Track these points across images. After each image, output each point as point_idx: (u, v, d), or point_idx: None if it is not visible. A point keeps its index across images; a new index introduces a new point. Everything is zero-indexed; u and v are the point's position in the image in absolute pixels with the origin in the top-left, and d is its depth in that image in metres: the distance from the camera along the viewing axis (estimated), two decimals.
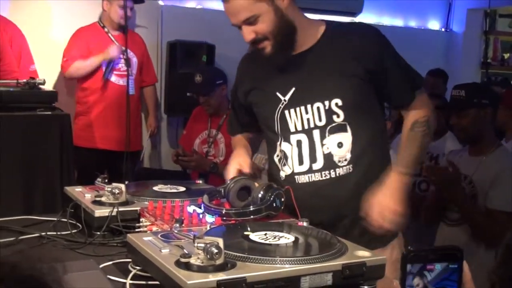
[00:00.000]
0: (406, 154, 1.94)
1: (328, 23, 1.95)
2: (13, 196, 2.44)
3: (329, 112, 1.88)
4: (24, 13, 4.17)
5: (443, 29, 6.17)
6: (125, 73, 4.00)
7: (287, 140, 1.95)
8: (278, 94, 1.94)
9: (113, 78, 4.13)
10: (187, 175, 4.13)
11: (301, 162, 1.93)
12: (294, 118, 1.93)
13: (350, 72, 1.86)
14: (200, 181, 2.18)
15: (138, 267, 1.46)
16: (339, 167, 1.89)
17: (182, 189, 2.04)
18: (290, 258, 1.32)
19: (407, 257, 0.90)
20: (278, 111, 1.95)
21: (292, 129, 1.93)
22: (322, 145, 1.90)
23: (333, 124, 1.88)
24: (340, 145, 1.89)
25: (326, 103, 1.87)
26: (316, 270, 1.31)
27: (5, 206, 2.35)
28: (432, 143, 3.20)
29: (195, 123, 4.14)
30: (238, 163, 1.98)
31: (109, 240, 1.72)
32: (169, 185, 2.05)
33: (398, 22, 5.80)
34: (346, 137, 1.89)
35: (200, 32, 4.72)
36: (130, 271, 1.45)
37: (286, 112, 1.93)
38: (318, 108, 1.89)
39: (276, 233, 1.50)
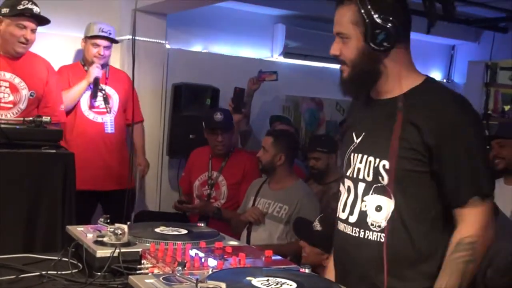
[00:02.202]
0: (443, 284, 1.67)
1: (427, 80, 1.80)
2: (14, 233, 2.43)
3: (376, 171, 1.76)
4: None
5: (444, 80, 6.25)
6: (103, 110, 4.01)
7: (343, 182, 1.90)
8: (353, 135, 1.88)
9: (91, 116, 4.04)
10: (186, 217, 4.13)
11: (343, 209, 1.87)
12: (355, 163, 1.84)
13: (408, 141, 1.70)
14: (202, 224, 2.18)
15: None
16: (370, 230, 1.77)
17: (184, 231, 2.03)
18: None
19: None
20: (349, 152, 1.88)
21: (348, 173, 1.86)
22: (362, 201, 1.80)
23: (378, 185, 1.76)
24: (378, 208, 1.76)
25: (377, 161, 1.76)
26: None
27: (6, 242, 2.34)
28: None
29: (194, 165, 4.16)
30: None
31: (110, 281, 1.71)
32: (170, 227, 2.05)
33: None
34: (388, 204, 1.74)
35: (205, 76, 4.79)
36: None
37: (353, 155, 1.86)
38: (370, 162, 1.78)
39: (279, 279, 1.50)
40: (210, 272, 1.54)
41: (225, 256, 1.74)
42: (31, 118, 2.69)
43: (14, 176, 2.47)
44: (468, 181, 1.67)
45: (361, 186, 1.81)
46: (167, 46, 4.76)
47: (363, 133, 1.85)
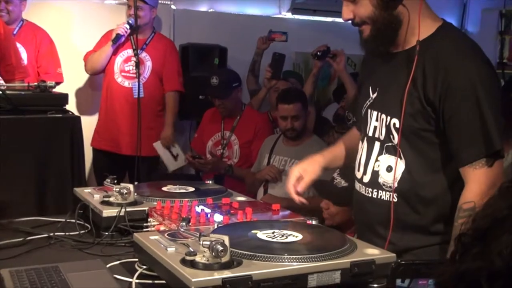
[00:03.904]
0: (448, 252, 1.59)
1: (442, 27, 1.70)
2: (26, 198, 2.45)
3: (388, 130, 1.71)
4: (43, 17, 4.22)
5: None
6: (133, 75, 3.99)
7: (362, 140, 1.84)
8: (370, 89, 1.81)
9: (119, 79, 4.10)
10: (199, 178, 4.13)
11: (358, 168, 1.82)
12: (371, 121, 1.78)
13: (415, 93, 1.63)
14: (210, 182, 2.17)
15: (144, 266, 1.45)
16: (383, 190, 1.73)
17: (191, 189, 2.03)
18: (297, 256, 1.30)
19: (396, 270, 0.83)
20: (365, 107, 1.82)
21: (366, 131, 1.80)
22: (376, 160, 1.75)
23: (389, 144, 1.71)
24: (389, 169, 1.71)
25: (388, 119, 1.71)
26: (323, 268, 1.29)
27: (18, 207, 2.35)
28: None
29: (207, 126, 4.14)
30: (298, 175, 1.87)
31: (117, 240, 1.71)
32: (178, 186, 2.04)
33: None
34: (399, 164, 1.69)
35: (212, 35, 4.72)
36: (137, 270, 1.44)
37: (370, 111, 1.79)
38: (383, 120, 1.73)
39: (284, 232, 1.48)
40: (216, 227, 1.53)
41: (231, 212, 1.74)
42: (35, 84, 2.68)
43: (22, 142, 2.47)
44: (474, 142, 1.58)
45: (377, 145, 1.76)
46: (173, 7, 4.70)
47: (378, 88, 1.78)
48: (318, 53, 3.84)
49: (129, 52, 4.09)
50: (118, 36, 3.98)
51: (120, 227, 1.73)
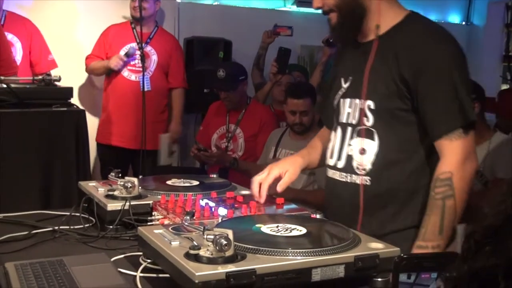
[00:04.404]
0: (427, 223, 1.63)
1: (410, 15, 1.77)
2: (31, 191, 2.46)
3: (362, 113, 1.75)
4: (47, 13, 4.23)
5: (463, 23, 6.08)
6: (139, 69, 3.99)
7: (335, 129, 1.87)
8: (342, 80, 1.86)
9: (125, 73, 4.11)
10: (204, 171, 4.13)
11: (331, 155, 1.86)
12: (344, 109, 1.82)
13: (389, 74, 1.69)
14: (214, 175, 2.17)
15: (149, 260, 1.45)
16: (356, 174, 1.76)
17: (195, 183, 2.03)
18: (301, 250, 1.30)
19: (399, 265, 0.83)
20: (338, 99, 1.86)
21: (339, 119, 1.84)
22: (349, 145, 1.79)
23: (362, 127, 1.75)
24: (362, 151, 1.75)
25: (362, 102, 1.75)
26: (327, 262, 1.28)
27: (23, 201, 2.37)
28: None
29: (213, 118, 4.13)
30: (278, 175, 1.86)
31: (122, 234, 1.72)
32: (182, 179, 2.04)
33: None
34: (372, 146, 1.73)
35: (216, 29, 4.71)
36: (141, 264, 1.45)
37: (342, 100, 1.84)
38: (356, 105, 1.78)
39: (288, 226, 1.48)
40: (220, 221, 1.53)
41: (236, 206, 1.74)
42: (40, 77, 2.68)
43: (27, 135, 2.48)
44: (450, 113, 1.63)
45: (349, 130, 1.79)
46: (178, 0, 4.69)
47: (351, 77, 1.83)
48: (330, 39, 3.83)
49: (133, 46, 4.09)
50: (113, 70, 4.03)
51: (124, 221, 1.73)
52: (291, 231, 1.44)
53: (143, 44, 3.97)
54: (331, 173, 1.86)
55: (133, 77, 4.09)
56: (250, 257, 1.27)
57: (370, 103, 1.73)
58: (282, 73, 4.15)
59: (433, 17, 5.83)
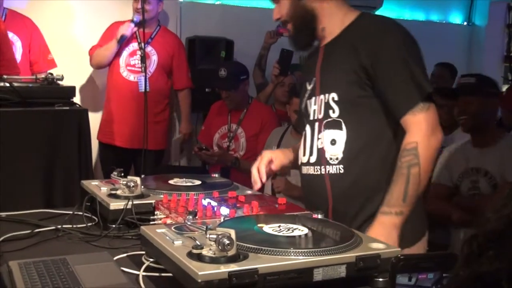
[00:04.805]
0: (392, 190, 1.71)
1: (362, 14, 1.90)
2: (33, 190, 2.46)
3: (327, 106, 1.84)
4: (48, 12, 4.24)
5: (465, 23, 6.08)
6: (138, 69, 3.99)
7: (305, 129, 1.96)
8: (306, 83, 1.96)
9: (125, 73, 4.10)
10: (205, 171, 4.14)
11: (304, 152, 1.93)
12: (311, 107, 1.92)
13: (349, 66, 1.80)
14: (216, 175, 2.18)
15: (151, 259, 1.46)
16: (330, 164, 1.84)
17: (198, 182, 2.04)
18: (302, 250, 1.31)
19: (396, 265, 0.82)
20: (304, 101, 1.97)
21: (309, 118, 1.94)
22: (318, 139, 1.87)
23: (329, 119, 1.84)
24: (333, 142, 1.83)
25: (326, 96, 1.85)
26: (329, 262, 1.29)
27: (26, 199, 2.37)
28: None
29: (215, 118, 4.14)
30: (270, 158, 2.02)
31: (124, 233, 1.72)
32: (184, 179, 2.05)
33: (419, 16, 5.72)
34: (341, 135, 1.82)
35: (218, 28, 4.72)
36: (144, 263, 1.45)
37: (308, 101, 1.94)
38: (321, 100, 1.87)
39: (290, 225, 1.49)
40: (222, 221, 1.54)
41: (238, 205, 1.74)
42: (43, 76, 2.69)
43: (29, 134, 2.48)
44: (409, 91, 1.73)
45: (317, 125, 1.88)
46: None
47: (314, 78, 1.92)
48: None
49: (134, 46, 4.10)
50: (124, 37, 3.99)
51: (127, 220, 1.74)
52: (293, 231, 1.45)
53: (144, 44, 3.98)
54: (305, 170, 1.93)
55: (131, 77, 4.09)
56: (252, 256, 1.27)
57: (334, 95, 1.82)
58: (284, 74, 4.17)
59: (434, 17, 5.84)
